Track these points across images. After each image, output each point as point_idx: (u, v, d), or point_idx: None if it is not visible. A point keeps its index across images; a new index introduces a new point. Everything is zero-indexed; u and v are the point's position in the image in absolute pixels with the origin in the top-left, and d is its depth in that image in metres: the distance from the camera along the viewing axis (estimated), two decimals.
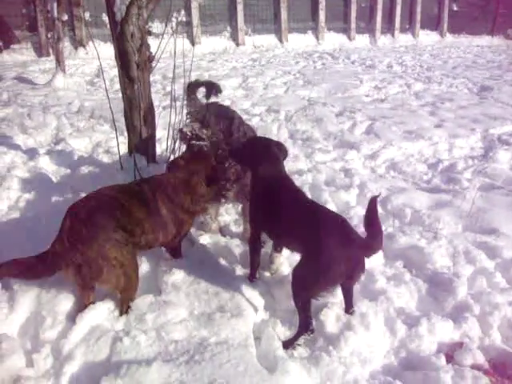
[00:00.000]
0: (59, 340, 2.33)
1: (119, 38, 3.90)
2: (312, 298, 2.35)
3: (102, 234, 2.34)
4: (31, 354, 2.27)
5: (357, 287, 2.80)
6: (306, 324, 2.34)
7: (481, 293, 2.76)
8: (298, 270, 2.40)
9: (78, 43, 14.37)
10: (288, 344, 2.33)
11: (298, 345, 2.33)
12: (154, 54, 4.13)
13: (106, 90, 4.90)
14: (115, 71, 11.42)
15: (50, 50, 13.85)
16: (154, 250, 3.01)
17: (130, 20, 3.82)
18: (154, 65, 4.21)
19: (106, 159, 5.02)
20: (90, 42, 14.76)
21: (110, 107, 4.42)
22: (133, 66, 3.96)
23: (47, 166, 4.88)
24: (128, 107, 4.15)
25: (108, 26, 12.96)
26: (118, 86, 9.95)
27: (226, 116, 3.33)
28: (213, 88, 4.03)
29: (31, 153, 5.20)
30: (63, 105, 7.61)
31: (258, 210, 2.77)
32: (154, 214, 2.64)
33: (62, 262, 2.32)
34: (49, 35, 13.70)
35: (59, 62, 9.41)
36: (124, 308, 2.50)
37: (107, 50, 14.74)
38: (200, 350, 2.16)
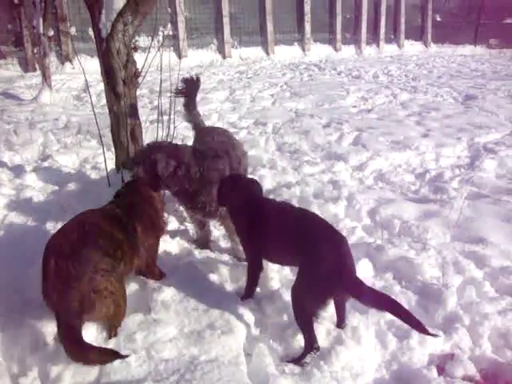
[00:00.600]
0: (46, 363, 2.29)
1: (105, 55, 3.91)
2: (313, 316, 2.33)
3: (90, 268, 2.24)
4: (17, 378, 2.23)
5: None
6: (311, 343, 2.34)
7: (470, 303, 2.77)
8: (297, 287, 2.38)
9: (64, 58, 14.34)
10: (295, 362, 2.31)
11: (306, 363, 2.31)
12: (140, 70, 4.13)
13: (93, 106, 4.88)
14: (102, 86, 11.46)
15: (36, 66, 13.82)
16: None
17: (115, 36, 3.83)
18: (140, 80, 4.21)
19: (93, 175, 4.98)
20: (77, 57, 14.77)
21: (97, 123, 4.43)
22: (119, 82, 3.96)
23: (34, 183, 4.85)
24: (115, 123, 4.14)
25: (94, 40, 12.90)
26: (105, 100, 9.98)
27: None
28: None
29: (18, 170, 5.17)
30: (50, 121, 7.57)
31: (251, 238, 2.76)
32: (131, 237, 2.62)
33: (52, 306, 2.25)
34: (35, 50, 13.71)
35: (45, 77, 9.39)
36: (112, 333, 2.45)
37: (94, 65, 14.73)
38: (191, 368, 2.13)
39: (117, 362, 2.21)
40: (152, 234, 2.84)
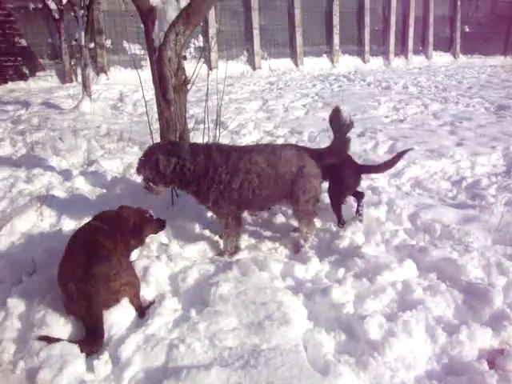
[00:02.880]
0: (117, 347, 2.46)
1: (157, 63, 4.13)
2: (342, 203, 4.05)
3: (104, 281, 2.65)
4: (92, 360, 2.41)
5: (396, 297, 2.92)
6: (341, 219, 3.99)
7: None
8: (332, 189, 4.09)
9: (99, 69, 14.83)
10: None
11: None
12: (189, 78, 4.34)
13: (148, 115, 5.08)
14: (137, 95, 11.91)
15: (73, 77, 14.35)
16: (199, 265, 3.20)
17: (167, 46, 4.05)
18: (189, 87, 4.42)
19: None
20: (112, 68, 15.25)
21: (150, 124, 4.61)
22: (170, 88, 4.18)
23: (83, 186, 5.10)
24: (165, 128, 4.35)
25: (128, 52, 13.39)
26: (141, 109, 10.35)
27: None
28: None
29: (66, 174, 5.44)
30: (91, 128, 7.89)
31: None
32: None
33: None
34: (72, 62, 14.25)
35: (85, 87, 9.76)
36: (139, 309, 2.81)
37: (127, 76, 15.34)
38: (254, 355, 2.28)
39: (182, 349, 2.37)
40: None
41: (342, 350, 2.52)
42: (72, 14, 10.20)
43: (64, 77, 14.25)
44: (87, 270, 2.61)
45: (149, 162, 3.40)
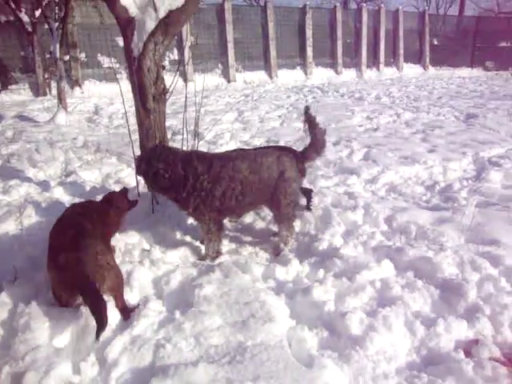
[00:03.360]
0: (103, 349, 2.48)
1: (137, 72, 4.18)
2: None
3: (92, 252, 2.75)
4: (78, 363, 2.42)
5: (375, 295, 3.02)
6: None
7: (489, 295, 2.97)
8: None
9: (74, 83, 14.77)
10: None
11: None
12: (168, 87, 4.40)
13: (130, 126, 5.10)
14: (112, 108, 11.90)
15: (47, 90, 14.24)
16: (182, 269, 3.24)
17: (147, 55, 4.11)
18: (167, 97, 4.48)
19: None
20: (86, 82, 15.20)
21: (130, 135, 4.64)
22: (149, 97, 4.23)
23: (62, 196, 5.08)
24: (145, 137, 4.39)
25: (103, 66, 13.44)
26: (117, 122, 10.32)
27: None
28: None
29: (44, 185, 5.41)
30: (68, 140, 7.85)
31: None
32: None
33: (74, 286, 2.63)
34: (45, 75, 14.15)
35: (61, 99, 9.72)
36: (120, 302, 2.81)
37: (102, 89, 15.31)
38: (240, 351, 2.33)
39: (169, 348, 2.41)
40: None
41: (324, 346, 2.59)
42: (46, 26, 10.19)
43: (37, 90, 14.15)
44: (76, 240, 2.75)
45: (137, 164, 3.61)
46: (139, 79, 4.18)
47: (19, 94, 14.04)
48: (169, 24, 4.10)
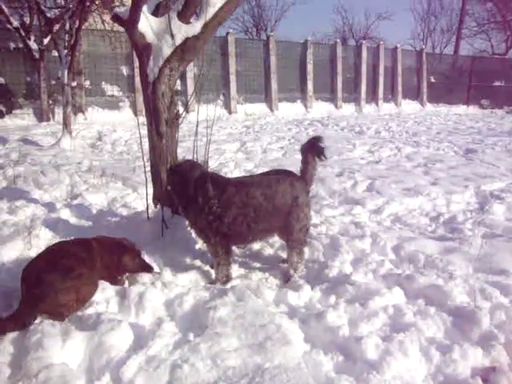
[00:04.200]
0: (118, 369, 2.45)
1: (151, 97, 4.26)
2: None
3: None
4: (92, 382, 2.39)
5: (388, 321, 3.02)
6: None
7: (503, 323, 2.98)
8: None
9: (77, 109, 14.93)
10: None
11: None
12: (181, 113, 4.48)
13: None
14: (115, 135, 12.02)
15: (51, 116, 14.39)
16: (194, 291, 3.25)
17: (162, 80, 4.21)
18: (180, 122, 4.56)
19: (125, 213, 5.23)
20: (89, 108, 15.39)
21: (144, 160, 4.69)
22: (163, 122, 4.31)
23: (68, 218, 5.07)
24: (157, 161, 4.44)
25: (106, 93, 13.69)
26: (120, 148, 10.41)
27: None
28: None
29: (50, 206, 5.42)
30: (73, 164, 7.90)
31: None
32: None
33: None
34: (50, 101, 14.32)
35: (66, 124, 9.83)
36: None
37: (104, 116, 15.50)
38: (259, 373, 2.31)
39: (186, 369, 2.38)
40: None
41: (340, 370, 2.57)
42: (54, 53, 10.41)
43: (41, 115, 14.30)
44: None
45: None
46: (153, 103, 4.27)
47: (23, 119, 14.18)
48: (185, 51, 4.21)
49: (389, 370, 2.48)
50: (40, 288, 2.84)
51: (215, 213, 3.49)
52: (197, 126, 5.09)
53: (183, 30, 4.18)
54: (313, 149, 3.88)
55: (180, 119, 4.50)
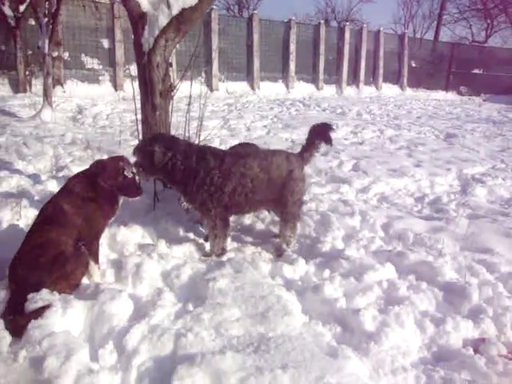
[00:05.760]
0: (121, 337, 2.46)
1: (145, 67, 4.19)
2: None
3: None
4: (96, 350, 2.39)
5: (382, 294, 3.10)
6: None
7: (491, 298, 3.10)
8: None
9: (56, 81, 14.48)
10: None
11: None
12: (175, 84, 4.43)
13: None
14: (96, 109, 11.74)
15: (27, 87, 13.95)
16: (191, 263, 3.26)
17: (157, 51, 4.14)
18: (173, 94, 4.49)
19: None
20: (68, 81, 14.98)
21: (138, 133, 4.62)
22: (157, 93, 4.25)
23: (55, 189, 4.96)
24: (148, 133, 4.38)
25: (86, 67, 13.27)
26: (102, 122, 10.19)
27: None
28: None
29: (35, 178, 5.31)
30: (56, 136, 7.73)
31: None
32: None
33: None
34: (26, 72, 13.87)
35: (47, 96, 9.56)
36: None
37: (84, 90, 15.11)
38: (263, 341, 2.36)
39: (191, 337, 2.41)
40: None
41: (339, 341, 2.63)
42: (31, 22, 10.03)
43: (17, 86, 13.82)
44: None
45: (144, 150, 3.44)
46: (148, 74, 4.20)
47: None
48: (181, 22, 4.14)
49: (387, 341, 2.56)
50: (28, 289, 2.71)
51: (216, 184, 3.50)
52: (189, 104, 5.03)
53: (180, 1, 4.10)
54: (323, 135, 3.93)
55: (174, 91, 4.44)
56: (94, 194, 3.08)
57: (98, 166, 3.22)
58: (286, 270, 3.42)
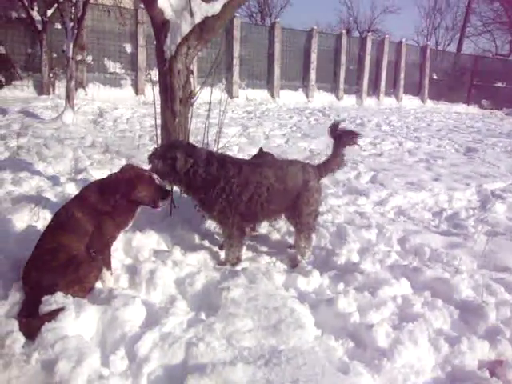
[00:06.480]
0: (132, 344, 2.46)
1: (166, 74, 4.23)
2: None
3: None
4: (107, 356, 2.40)
5: (396, 310, 3.06)
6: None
7: (508, 319, 3.02)
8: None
9: (78, 84, 14.71)
10: None
11: None
12: (195, 92, 4.46)
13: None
14: (116, 113, 11.87)
15: (51, 89, 14.20)
16: (205, 271, 3.26)
17: (179, 58, 4.18)
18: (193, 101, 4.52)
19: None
20: (90, 84, 15.21)
21: (157, 138, 4.65)
22: (177, 100, 4.28)
23: (74, 192, 5.02)
24: (168, 139, 4.41)
25: (109, 70, 13.48)
26: (122, 126, 10.29)
27: None
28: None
29: (55, 179, 5.40)
30: (76, 139, 7.85)
31: None
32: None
33: None
34: (51, 75, 14.13)
35: (69, 98, 9.71)
36: None
37: (106, 93, 15.32)
38: (275, 354, 2.34)
39: (202, 347, 2.40)
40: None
41: (351, 356, 2.60)
42: (57, 26, 10.22)
43: (41, 88, 14.10)
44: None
45: (165, 157, 3.44)
46: (169, 81, 4.23)
47: (22, 91, 13.97)
48: (203, 30, 4.18)
49: (400, 358, 2.52)
50: (41, 292, 2.75)
51: (235, 192, 3.50)
52: (209, 110, 5.06)
53: (203, 9, 4.14)
54: (346, 142, 4.04)
55: (194, 98, 4.47)
56: (107, 207, 3.07)
57: (127, 176, 3.14)
58: (300, 281, 3.39)
